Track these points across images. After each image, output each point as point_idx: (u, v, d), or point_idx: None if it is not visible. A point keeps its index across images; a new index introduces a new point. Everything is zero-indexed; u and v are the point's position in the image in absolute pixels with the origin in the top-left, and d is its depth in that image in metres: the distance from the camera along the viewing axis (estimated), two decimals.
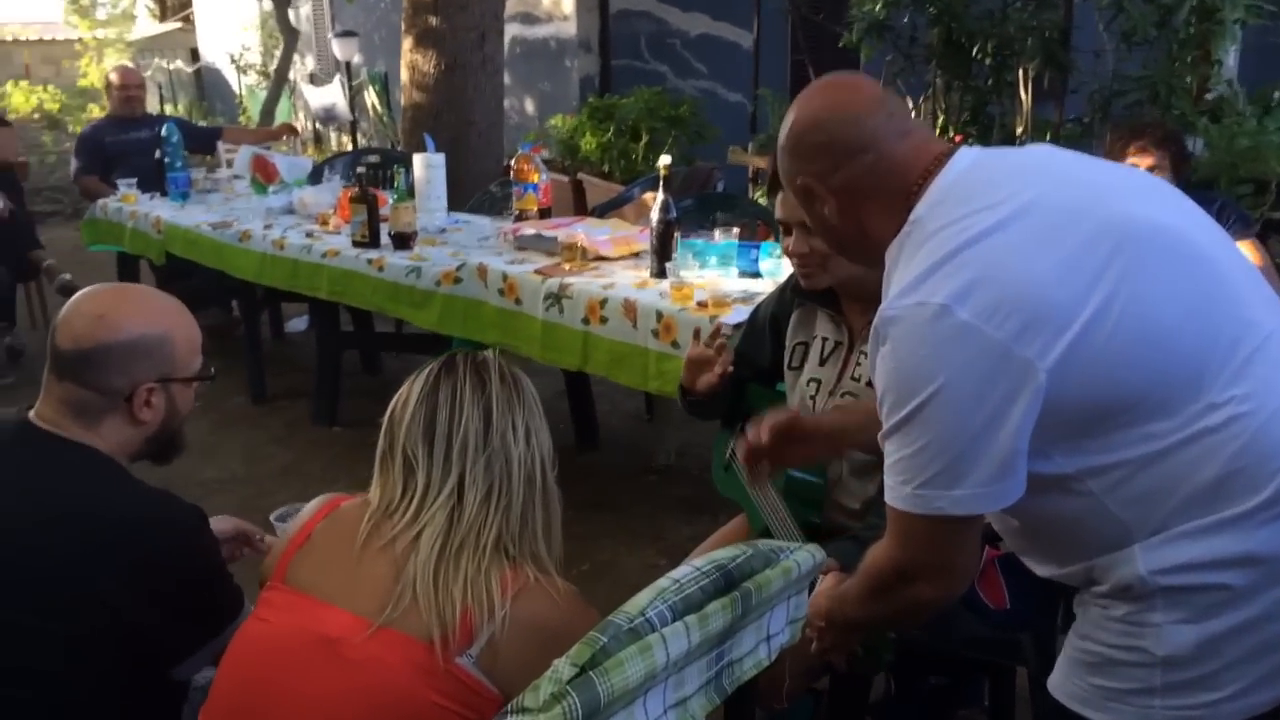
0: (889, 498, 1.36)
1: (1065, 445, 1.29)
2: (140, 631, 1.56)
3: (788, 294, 2.29)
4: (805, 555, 1.40)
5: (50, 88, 18.82)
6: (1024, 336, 1.23)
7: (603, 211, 5.21)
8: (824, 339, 2.19)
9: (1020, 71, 5.95)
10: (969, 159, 1.40)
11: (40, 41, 22.97)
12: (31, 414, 1.67)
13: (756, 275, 3.24)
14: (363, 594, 1.37)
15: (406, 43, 6.81)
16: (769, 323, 2.33)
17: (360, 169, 4.15)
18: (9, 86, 19.12)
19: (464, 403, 1.46)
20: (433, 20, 6.61)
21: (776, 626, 1.39)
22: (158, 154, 5.31)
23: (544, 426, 1.52)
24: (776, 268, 3.21)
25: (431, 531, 1.40)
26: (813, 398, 2.18)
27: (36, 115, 17.87)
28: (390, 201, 3.98)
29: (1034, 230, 1.29)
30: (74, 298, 1.72)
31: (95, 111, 6.33)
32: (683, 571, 1.27)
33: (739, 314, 2.85)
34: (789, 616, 1.41)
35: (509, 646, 1.35)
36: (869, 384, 2.09)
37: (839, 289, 2.15)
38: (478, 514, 1.42)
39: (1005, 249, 1.28)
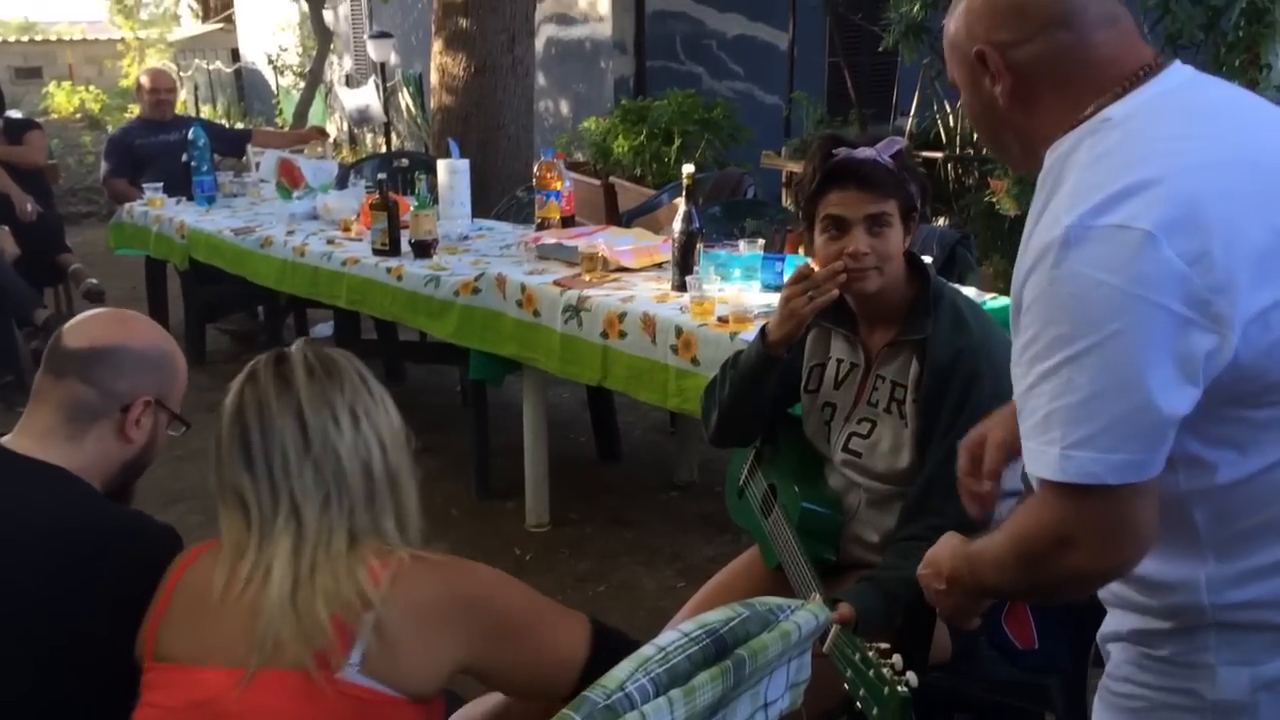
0: (1034, 466, 1.14)
1: (1192, 419, 1.12)
2: (113, 652, 1.50)
3: None
4: (807, 615, 1.29)
5: (92, 88, 19.01)
6: (1225, 291, 1.07)
7: (631, 218, 5.13)
8: (839, 361, 2.10)
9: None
10: (1186, 75, 1.22)
11: (84, 41, 23.24)
12: (6, 439, 1.65)
13: (780, 289, 3.13)
14: (231, 645, 1.31)
15: (437, 45, 6.76)
16: None
17: (382, 175, 4.09)
18: (52, 86, 19.34)
19: (272, 415, 1.39)
20: (463, 22, 6.56)
21: (775, 693, 1.29)
22: (185, 157, 5.29)
23: (376, 402, 1.43)
24: None
25: (280, 561, 1.34)
26: (828, 422, 2.09)
27: (78, 115, 18.06)
28: (412, 208, 3.92)
29: (1252, 182, 1.12)
30: (84, 314, 1.75)
31: (134, 111, 6.34)
32: (669, 638, 1.17)
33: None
34: (789, 681, 1.31)
35: (399, 638, 1.29)
36: (886, 409, 2.00)
37: (861, 305, 2.05)
38: (320, 525, 1.36)
39: (1223, 193, 1.10)
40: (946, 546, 1.41)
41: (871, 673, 1.53)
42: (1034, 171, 1.28)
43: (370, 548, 1.37)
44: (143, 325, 1.74)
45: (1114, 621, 1.32)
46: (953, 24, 1.30)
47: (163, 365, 1.71)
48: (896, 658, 1.54)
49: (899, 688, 1.49)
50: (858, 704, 1.52)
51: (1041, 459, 1.13)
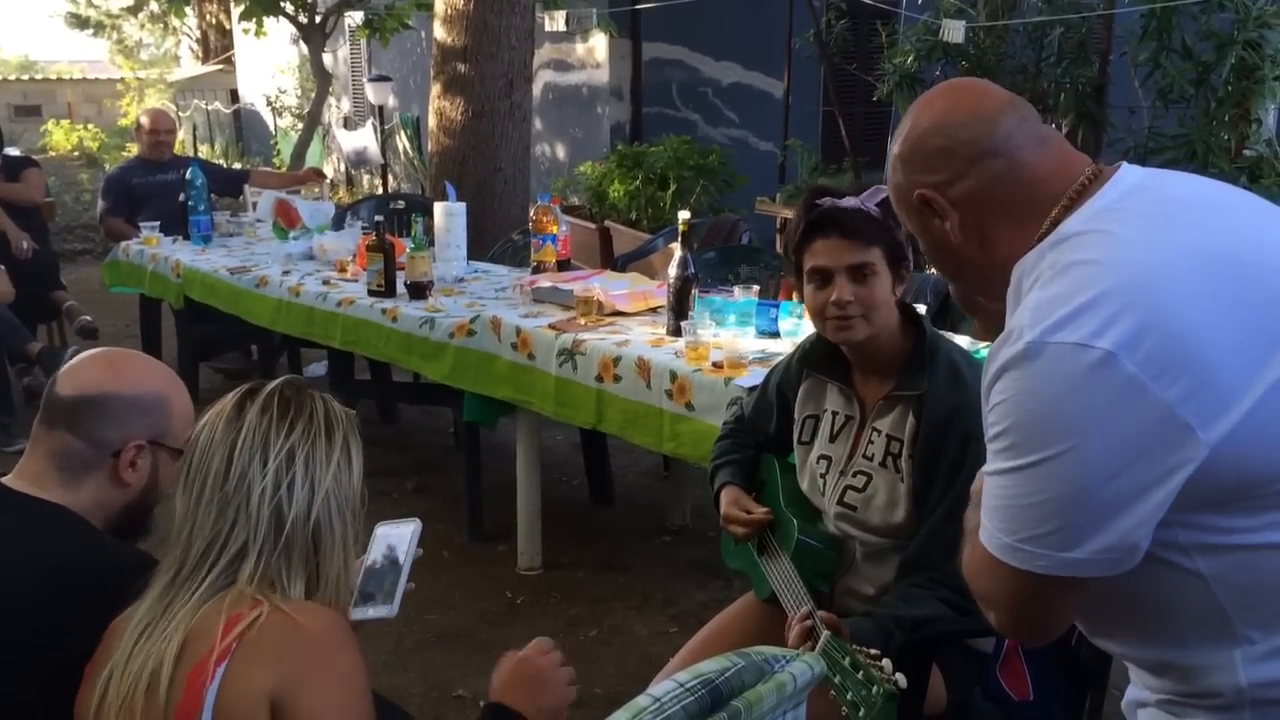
0: (983, 536, 1.19)
1: (1188, 516, 1.13)
2: None
3: (794, 365, 2.20)
4: (802, 667, 1.28)
5: (91, 126, 19.09)
6: (1192, 401, 1.07)
7: (626, 262, 5.15)
8: (834, 413, 2.09)
9: (1054, 127, 5.86)
10: (1135, 178, 1.24)
11: (84, 80, 23.36)
12: (6, 479, 1.65)
13: (775, 335, 3.15)
14: (119, 700, 1.29)
15: (435, 89, 6.82)
16: (776, 393, 2.24)
17: (378, 217, 4.10)
18: (50, 124, 19.41)
19: (211, 445, 1.37)
20: (462, 67, 6.62)
21: None
22: (182, 197, 5.31)
23: (328, 457, 1.38)
24: (796, 328, 3.11)
25: (148, 600, 1.32)
26: (823, 475, 2.08)
27: (76, 154, 18.12)
28: (408, 250, 3.93)
29: (1213, 282, 1.11)
30: (79, 356, 1.73)
31: (133, 150, 6.38)
32: (664, 688, 1.16)
33: (755, 376, 2.75)
34: None
35: (243, 695, 1.24)
36: (881, 463, 2.00)
37: (855, 355, 2.05)
38: (197, 565, 1.33)
39: (1183, 297, 1.09)
40: None
41: (860, 674, 1.54)
42: (1002, 298, 1.30)
43: (245, 595, 1.30)
44: (133, 367, 1.70)
45: (1141, 691, 1.32)
46: (892, 177, 1.36)
47: (154, 409, 1.67)
48: (886, 662, 1.56)
49: (887, 684, 1.50)
50: (844, 709, 1.52)
51: (995, 541, 1.17)
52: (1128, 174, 1.24)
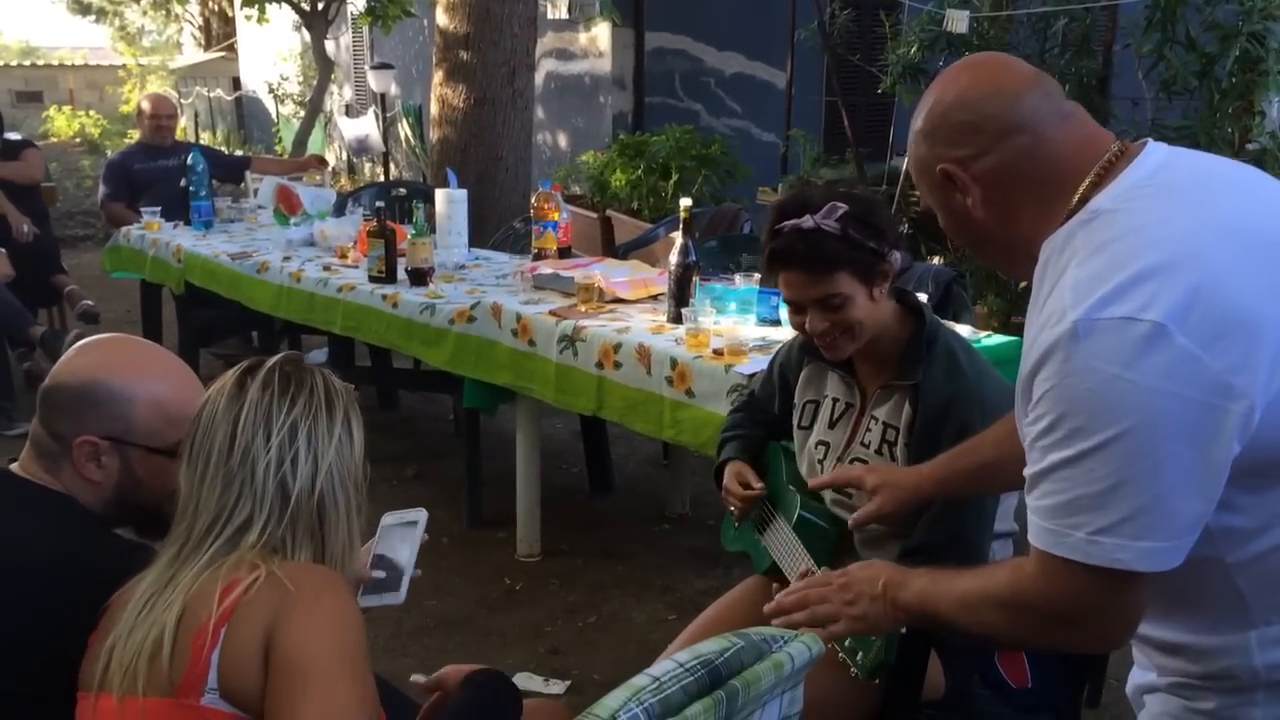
0: (1044, 542, 1.15)
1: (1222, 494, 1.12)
2: None
3: (795, 351, 2.19)
4: (800, 647, 1.28)
5: (92, 113, 19.08)
6: (1244, 372, 1.07)
7: (628, 250, 5.14)
8: (834, 400, 2.09)
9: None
10: (1163, 154, 1.23)
11: (85, 67, 23.34)
12: (14, 465, 1.62)
13: (776, 323, 3.14)
14: (121, 669, 1.29)
15: (437, 76, 6.80)
16: (779, 375, 2.24)
17: (380, 203, 4.10)
18: (52, 110, 19.40)
19: (214, 420, 1.37)
20: (464, 55, 6.61)
21: None
22: (183, 182, 5.30)
23: (330, 431, 1.38)
24: None
25: (154, 571, 1.32)
26: (820, 460, 2.08)
27: (77, 140, 18.11)
28: (410, 236, 3.92)
29: (1250, 253, 1.12)
30: (85, 340, 1.68)
31: (134, 136, 6.36)
32: (664, 667, 1.16)
33: (756, 363, 2.75)
34: (781, 713, 1.30)
35: (244, 659, 1.24)
36: (878, 451, 1.99)
37: (856, 351, 2.04)
38: (203, 537, 1.33)
39: (1226, 267, 1.10)
40: (879, 566, 1.47)
41: None
42: (1025, 275, 1.30)
43: (245, 560, 1.31)
44: (92, 358, 1.60)
45: (1149, 675, 1.32)
46: (913, 148, 1.34)
47: (105, 402, 1.55)
48: None
49: None
50: (841, 655, 1.50)
51: (1064, 541, 1.13)
52: (1155, 151, 1.24)
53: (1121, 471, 1.08)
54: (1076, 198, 1.21)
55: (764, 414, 2.29)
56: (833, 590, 1.45)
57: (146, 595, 1.32)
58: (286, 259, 4.42)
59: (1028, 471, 1.18)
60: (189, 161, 5.22)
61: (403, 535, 1.65)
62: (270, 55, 15.27)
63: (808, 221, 1.88)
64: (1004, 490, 1.89)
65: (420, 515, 1.67)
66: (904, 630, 1.50)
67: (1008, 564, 1.27)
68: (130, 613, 1.32)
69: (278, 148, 13.90)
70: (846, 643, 1.51)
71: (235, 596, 1.26)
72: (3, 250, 5.20)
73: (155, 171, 5.76)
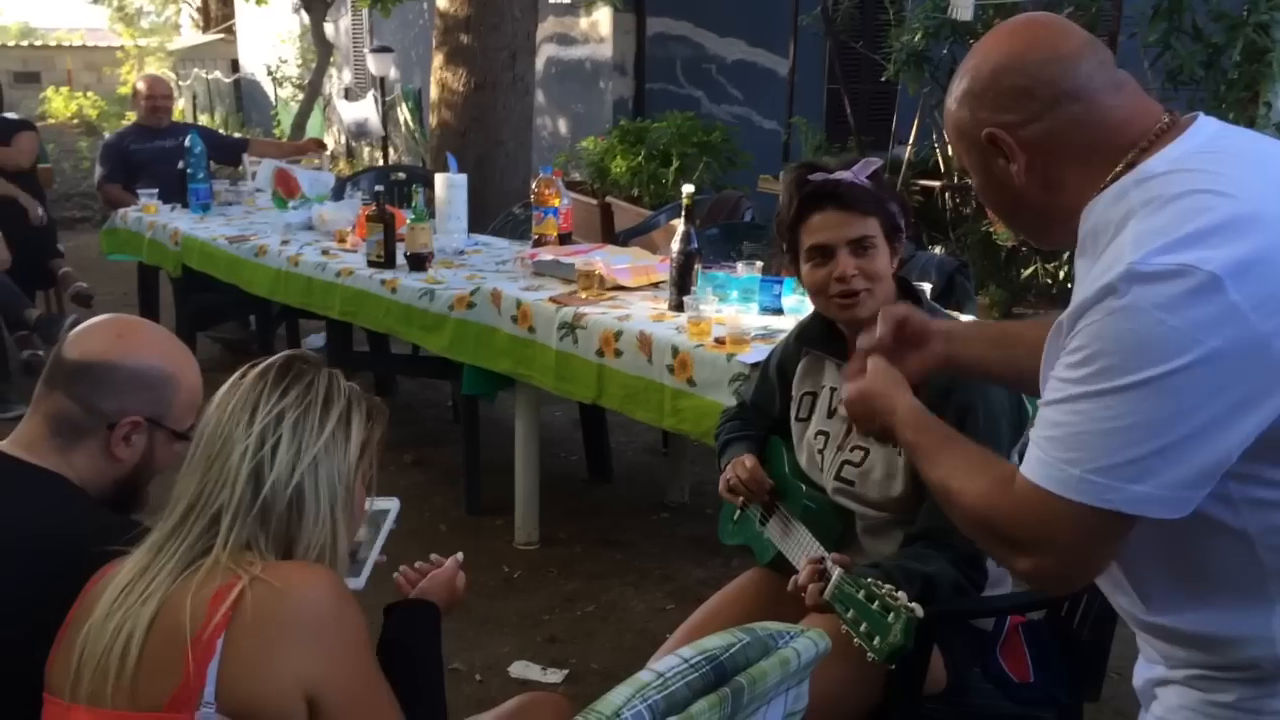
0: (1035, 473, 1.14)
1: (1246, 466, 1.11)
2: None
3: (792, 343, 2.18)
4: (806, 643, 1.26)
5: (90, 94, 19.00)
6: None
7: (628, 237, 5.11)
8: (832, 390, 2.07)
9: None
10: (1216, 126, 1.22)
11: (83, 48, 23.24)
12: (3, 443, 1.62)
13: (779, 312, 3.12)
14: (90, 668, 1.27)
15: (437, 60, 6.76)
16: (777, 372, 2.21)
17: (379, 187, 4.07)
18: (50, 91, 19.32)
19: (209, 411, 1.37)
20: (464, 38, 6.56)
21: None
22: (180, 164, 5.27)
23: (322, 425, 1.36)
24: (800, 305, 3.08)
25: (128, 567, 1.31)
26: (820, 451, 2.06)
27: (75, 121, 18.04)
28: (409, 221, 3.90)
29: None
30: (97, 317, 1.69)
31: (131, 118, 6.33)
32: (668, 663, 1.14)
33: (758, 352, 2.73)
34: (786, 710, 1.28)
35: (248, 667, 1.23)
36: (878, 440, 1.97)
37: (853, 333, 2.02)
38: (176, 530, 1.32)
39: None
40: (886, 379, 1.47)
41: (876, 604, 1.51)
42: (1057, 243, 1.28)
43: (219, 566, 1.28)
44: (144, 339, 1.66)
45: (1158, 668, 1.29)
46: (955, 109, 1.30)
47: (157, 385, 1.61)
48: (902, 593, 1.52)
49: (905, 612, 1.46)
50: (857, 641, 1.49)
51: (1055, 475, 1.12)
52: (1208, 122, 1.22)
53: (1140, 414, 1.07)
54: (1123, 164, 1.19)
55: (759, 419, 2.27)
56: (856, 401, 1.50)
57: (123, 584, 1.30)
58: (285, 243, 4.40)
59: (1042, 401, 1.17)
60: (187, 143, 5.19)
61: (371, 520, 1.65)
62: (269, 37, 15.19)
63: (842, 174, 1.92)
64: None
65: (393, 504, 1.67)
66: (920, 615, 1.48)
67: (991, 471, 1.25)
68: (106, 599, 1.30)
69: (276, 131, 13.85)
70: (863, 627, 1.48)
71: (228, 606, 1.24)
72: None
73: (152, 152, 5.72)
